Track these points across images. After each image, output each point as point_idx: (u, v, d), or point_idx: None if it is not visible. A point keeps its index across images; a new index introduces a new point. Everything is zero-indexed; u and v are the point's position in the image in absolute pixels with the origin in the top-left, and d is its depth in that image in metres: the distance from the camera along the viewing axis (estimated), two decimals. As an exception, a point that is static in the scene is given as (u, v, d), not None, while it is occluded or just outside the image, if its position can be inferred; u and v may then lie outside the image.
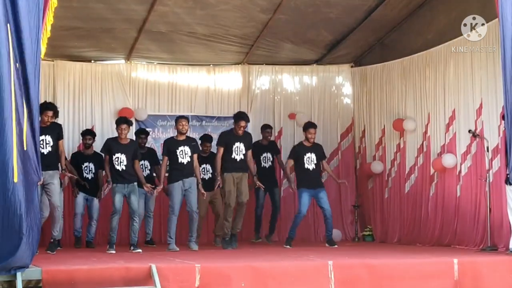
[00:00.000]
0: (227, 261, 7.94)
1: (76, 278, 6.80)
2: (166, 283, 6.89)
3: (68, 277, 6.80)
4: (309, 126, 11.00)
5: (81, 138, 11.44)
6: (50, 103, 9.88)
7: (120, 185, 9.74)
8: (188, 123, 10.34)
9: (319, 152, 10.95)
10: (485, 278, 7.77)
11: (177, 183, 9.98)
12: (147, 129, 11.93)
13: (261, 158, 11.67)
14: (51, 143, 9.32)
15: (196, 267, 7.06)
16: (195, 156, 10.18)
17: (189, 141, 10.19)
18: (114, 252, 9.53)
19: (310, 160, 10.80)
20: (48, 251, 9.25)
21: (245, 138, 10.48)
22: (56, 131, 9.42)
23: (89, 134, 11.22)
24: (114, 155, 9.78)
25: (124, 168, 9.76)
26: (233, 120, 10.50)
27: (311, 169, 10.79)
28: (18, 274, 6.61)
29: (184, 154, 10.04)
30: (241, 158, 10.35)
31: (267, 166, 11.75)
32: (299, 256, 8.60)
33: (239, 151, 10.34)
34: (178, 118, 10.27)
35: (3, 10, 6.65)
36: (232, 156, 10.31)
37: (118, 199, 9.73)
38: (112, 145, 9.88)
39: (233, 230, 10.43)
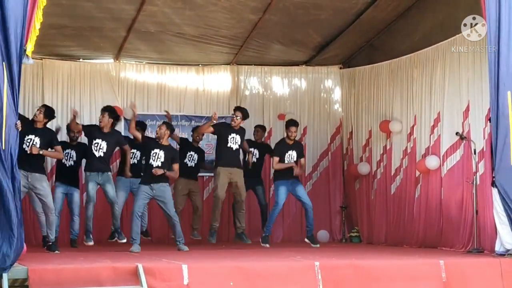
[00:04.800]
0: (214, 261, 7.95)
1: (62, 278, 6.79)
2: (153, 283, 6.89)
3: (55, 276, 6.79)
4: (290, 124, 11.12)
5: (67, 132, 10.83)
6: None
7: (93, 173, 9.76)
8: (168, 129, 9.85)
9: (299, 151, 11.07)
10: (472, 280, 7.82)
11: (145, 186, 9.66)
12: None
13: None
14: (38, 145, 9.13)
15: (183, 267, 7.07)
16: (176, 166, 9.77)
17: (169, 148, 9.83)
18: (92, 243, 9.59)
19: (291, 158, 10.89)
20: (50, 251, 9.19)
21: (241, 132, 10.81)
22: (48, 137, 9.28)
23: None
24: (94, 139, 9.77)
25: (102, 155, 9.76)
26: (223, 121, 10.70)
27: None
28: (4, 275, 6.58)
29: (156, 158, 9.67)
30: (236, 148, 10.68)
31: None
32: (286, 256, 8.62)
33: (235, 142, 10.68)
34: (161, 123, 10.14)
35: None
36: (228, 145, 10.61)
37: (92, 187, 9.74)
38: (93, 130, 9.92)
39: (239, 229, 10.82)
